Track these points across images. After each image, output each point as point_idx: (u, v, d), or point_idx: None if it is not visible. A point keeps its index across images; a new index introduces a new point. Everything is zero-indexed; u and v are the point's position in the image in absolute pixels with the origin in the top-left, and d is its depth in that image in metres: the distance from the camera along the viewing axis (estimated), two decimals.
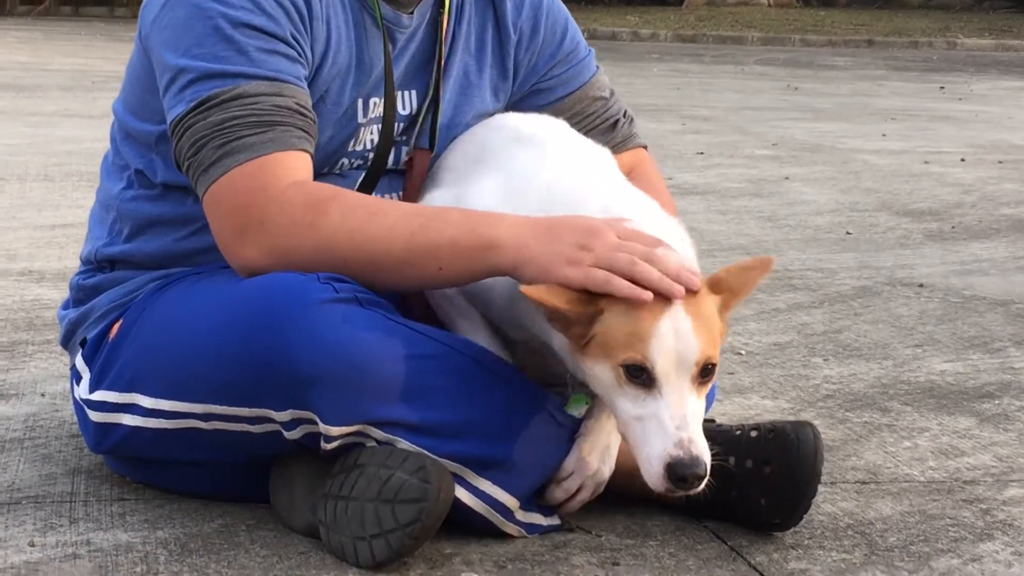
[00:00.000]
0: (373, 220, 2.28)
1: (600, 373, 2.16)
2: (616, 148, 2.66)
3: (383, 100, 2.48)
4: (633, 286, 2.14)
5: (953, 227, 5.69)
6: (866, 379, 3.43)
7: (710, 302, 2.19)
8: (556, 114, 2.66)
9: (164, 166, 2.46)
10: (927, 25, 21.09)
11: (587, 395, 2.34)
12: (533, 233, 2.24)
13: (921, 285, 4.55)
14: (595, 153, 2.53)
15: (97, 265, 2.57)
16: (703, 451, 2.09)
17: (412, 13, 2.52)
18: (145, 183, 2.51)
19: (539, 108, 2.66)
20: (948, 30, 20.46)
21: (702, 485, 2.10)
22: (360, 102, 2.47)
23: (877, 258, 5.01)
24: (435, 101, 2.55)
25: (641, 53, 16.56)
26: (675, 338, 2.11)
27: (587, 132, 2.66)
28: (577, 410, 2.35)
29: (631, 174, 2.59)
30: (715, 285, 2.21)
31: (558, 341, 2.24)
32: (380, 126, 2.50)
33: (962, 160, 7.75)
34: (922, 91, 12.67)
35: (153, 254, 2.50)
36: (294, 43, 2.35)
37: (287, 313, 2.21)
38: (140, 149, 2.50)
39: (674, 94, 11.39)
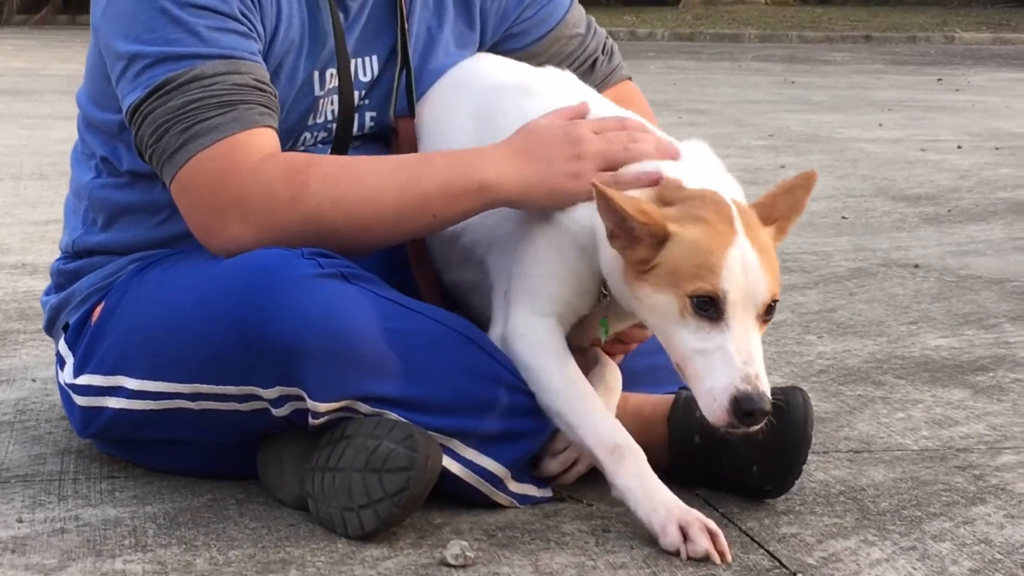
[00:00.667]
0: (357, 184, 2.26)
1: (662, 303, 2.12)
2: (598, 87, 2.66)
3: (338, 72, 2.44)
4: (641, 172, 2.22)
5: (949, 211, 5.68)
6: (860, 355, 3.42)
7: (767, 235, 2.16)
8: (532, 57, 2.65)
9: (128, 154, 2.43)
10: (925, 20, 21.09)
11: (606, 322, 2.33)
12: (520, 158, 2.26)
13: (917, 266, 4.54)
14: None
15: (76, 254, 2.55)
16: (767, 388, 2.06)
17: None
18: (112, 171, 2.48)
19: (514, 52, 2.65)
20: (946, 24, 20.46)
21: (763, 423, 2.07)
22: (316, 75, 2.44)
23: (873, 241, 5.00)
24: (406, 66, 2.52)
25: (638, 52, 16.54)
26: (744, 272, 2.08)
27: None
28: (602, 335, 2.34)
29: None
30: (767, 214, 2.19)
31: (608, 262, 2.20)
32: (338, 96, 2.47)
33: (959, 147, 7.74)
34: (919, 83, 12.66)
35: (130, 243, 2.48)
36: (243, 19, 2.30)
37: (272, 288, 2.20)
38: (104, 138, 2.48)
39: (671, 90, 11.39)
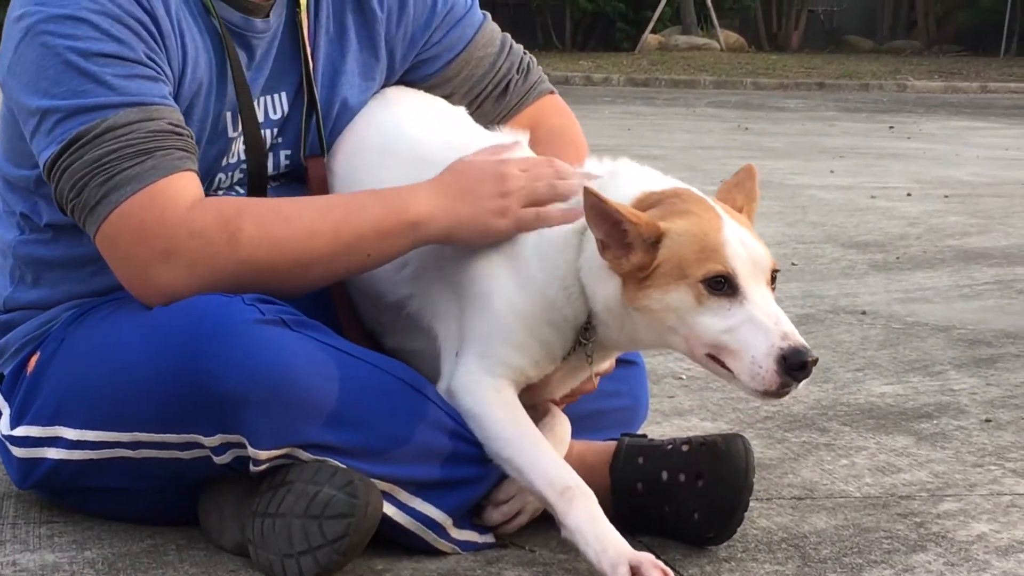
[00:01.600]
0: (291, 225, 2.26)
1: (675, 300, 2.12)
2: (515, 108, 2.67)
3: (240, 113, 2.42)
4: (567, 209, 2.27)
5: (898, 258, 5.72)
6: (806, 401, 3.43)
7: (744, 218, 2.21)
8: (444, 81, 2.65)
9: (48, 209, 2.40)
10: (878, 68, 21.31)
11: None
12: (449, 196, 2.29)
13: (864, 312, 4.57)
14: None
15: (6, 311, 2.51)
16: (805, 340, 2.07)
17: (268, 17, 2.46)
18: (34, 227, 2.45)
19: (428, 78, 2.64)
20: (898, 73, 20.68)
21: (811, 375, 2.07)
22: (228, 115, 2.42)
23: (821, 287, 5.03)
24: (312, 104, 2.51)
25: (593, 96, 16.65)
26: (743, 245, 2.12)
27: (480, 102, 2.65)
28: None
29: (534, 131, 2.59)
30: (733, 203, 2.23)
31: (605, 294, 2.20)
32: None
33: (908, 195, 7.80)
34: (871, 131, 12.77)
35: (61, 300, 2.45)
36: (150, 63, 2.28)
37: (213, 335, 2.18)
38: (22, 194, 2.44)
39: (625, 134, 11.45)
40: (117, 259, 2.27)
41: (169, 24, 2.32)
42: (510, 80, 2.71)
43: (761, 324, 2.07)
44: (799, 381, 2.07)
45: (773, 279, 2.14)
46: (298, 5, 2.49)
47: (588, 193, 2.13)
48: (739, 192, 2.28)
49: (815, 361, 2.05)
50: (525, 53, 2.77)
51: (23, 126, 2.31)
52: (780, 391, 2.07)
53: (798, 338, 2.06)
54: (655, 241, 2.13)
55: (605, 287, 2.20)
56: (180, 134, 2.27)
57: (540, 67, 2.79)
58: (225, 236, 2.22)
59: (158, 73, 2.29)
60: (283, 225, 2.26)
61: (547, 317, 2.27)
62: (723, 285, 2.10)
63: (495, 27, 2.72)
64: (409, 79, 2.66)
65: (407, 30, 2.61)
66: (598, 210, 2.13)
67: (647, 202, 2.21)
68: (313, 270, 2.28)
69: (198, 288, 2.23)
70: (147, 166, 2.22)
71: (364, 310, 2.52)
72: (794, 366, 2.04)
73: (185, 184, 2.25)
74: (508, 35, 2.75)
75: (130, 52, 2.26)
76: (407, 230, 2.28)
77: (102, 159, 2.21)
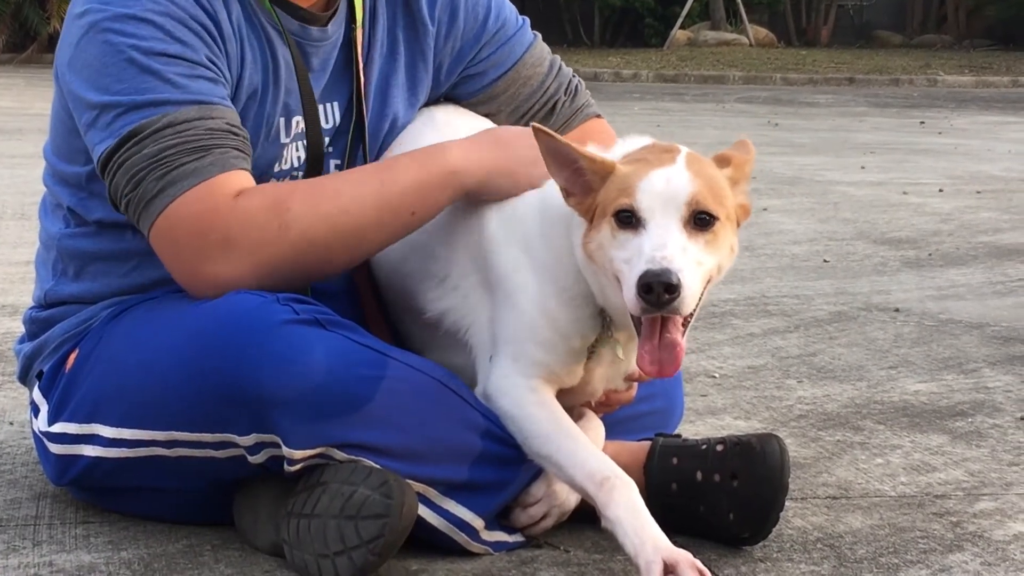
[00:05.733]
0: (336, 197, 2.28)
1: (601, 236, 2.15)
2: (561, 129, 2.66)
3: (304, 118, 2.45)
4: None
5: (930, 254, 5.70)
6: (839, 400, 3.42)
7: (713, 166, 2.21)
8: (491, 99, 2.66)
9: (96, 204, 2.42)
10: (908, 63, 21.18)
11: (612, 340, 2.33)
12: (483, 147, 2.36)
13: (897, 310, 4.55)
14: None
15: (48, 305, 2.53)
16: (677, 267, 2.04)
17: (326, 27, 2.49)
18: (80, 221, 2.47)
19: (474, 94, 2.66)
20: (929, 67, 20.56)
21: (677, 302, 2.03)
22: (282, 121, 2.44)
23: (854, 284, 5.01)
24: (360, 120, 2.53)
25: (622, 93, 16.61)
26: (665, 182, 2.12)
27: (525, 122, 2.64)
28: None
29: None
30: (719, 159, 2.24)
31: (580, 255, 2.22)
32: (305, 142, 2.47)
33: (940, 191, 7.76)
34: (902, 126, 12.72)
35: (101, 293, 2.46)
36: (211, 65, 2.31)
37: (249, 335, 2.19)
38: (71, 189, 2.46)
39: (655, 131, 11.39)
40: (172, 252, 2.28)
41: (230, 28, 2.35)
42: (556, 101, 2.71)
43: (643, 252, 2.07)
44: (655, 306, 2.04)
45: (703, 219, 2.12)
46: (354, 21, 2.50)
47: (539, 131, 2.17)
48: (736, 152, 2.26)
49: (669, 287, 2.02)
50: (574, 76, 2.78)
51: (78, 120, 2.33)
52: (643, 311, 2.05)
53: (665, 262, 2.04)
54: (604, 178, 2.18)
55: (579, 250, 2.22)
56: (237, 134, 2.29)
57: (588, 91, 2.80)
58: (276, 221, 2.24)
59: (218, 75, 2.31)
60: (329, 199, 2.28)
61: (562, 301, 2.28)
62: (630, 218, 2.12)
63: (545, 48, 2.73)
64: (455, 94, 2.67)
65: (455, 44, 2.62)
66: (551, 148, 2.18)
67: (627, 159, 2.23)
68: (364, 238, 2.31)
69: (256, 276, 2.24)
70: (205, 162, 2.24)
71: (407, 328, 2.52)
72: (646, 288, 2.03)
73: (241, 181, 2.28)
74: (558, 57, 2.76)
75: (192, 54, 2.29)
76: (446, 180, 2.32)
77: (160, 154, 2.24)
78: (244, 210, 2.25)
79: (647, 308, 2.05)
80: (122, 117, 2.25)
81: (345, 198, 2.28)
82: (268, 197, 2.27)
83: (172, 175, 2.24)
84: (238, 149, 2.29)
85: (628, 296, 2.07)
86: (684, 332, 2.12)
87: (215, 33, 2.33)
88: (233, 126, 2.29)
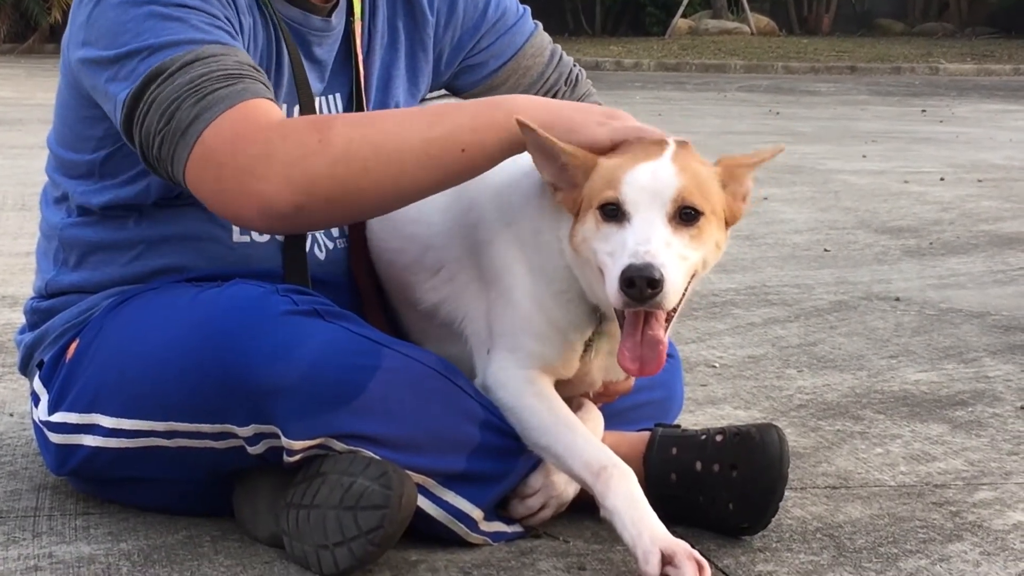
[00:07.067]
0: (381, 121, 2.22)
1: (586, 229, 2.15)
2: None
3: (299, 106, 2.43)
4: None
5: (931, 243, 5.70)
6: (839, 389, 3.42)
7: (701, 161, 2.19)
8: (490, 90, 2.64)
9: (101, 191, 2.42)
10: (909, 51, 21.16)
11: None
12: (551, 104, 2.24)
13: (898, 299, 4.55)
14: None
15: (49, 295, 2.53)
16: (660, 262, 2.04)
17: (329, 17, 2.48)
18: (82, 211, 2.46)
19: (474, 84, 2.65)
20: (930, 56, 20.54)
21: (660, 297, 2.03)
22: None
23: (854, 273, 5.01)
24: (360, 110, 2.51)
25: (623, 82, 16.60)
26: (650, 176, 2.12)
27: None
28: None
29: None
30: (719, 161, 2.22)
31: (568, 251, 2.21)
32: None
33: (941, 179, 7.76)
34: (903, 114, 12.71)
35: (102, 282, 2.45)
36: (229, 24, 2.29)
37: (248, 326, 2.19)
38: (76, 179, 2.45)
39: (656, 120, 11.31)
40: (213, 177, 2.17)
41: (244, 2, 2.35)
42: (557, 91, 2.71)
43: (626, 246, 2.07)
44: (638, 300, 2.04)
45: (688, 214, 2.12)
46: (352, 13, 2.50)
47: (523, 126, 2.15)
48: (744, 156, 2.25)
49: (651, 283, 2.02)
50: (575, 65, 2.76)
51: (96, 87, 2.28)
52: (625, 306, 2.06)
53: (648, 257, 2.04)
54: (588, 172, 2.17)
55: (567, 246, 2.22)
56: (262, 75, 2.25)
57: (589, 80, 2.78)
58: (317, 136, 2.16)
59: (236, 33, 2.29)
60: (374, 123, 2.21)
61: (551, 292, 2.28)
62: (615, 211, 2.11)
63: (546, 37, 2.72)
64: (455, 84, 2.66)
65: (455, 33, 2.61)
66: (536, 143, 2.16)
67: (614, 153, 2.21)
68: (407, 169, 2.17)
69: (293, 196, 2.14)
70: (239, 87, 2.18)
71: (405, 319, 2.52)
72: (628, 283, 2.03)
73: (275, 107, 2.22)
74: (559, 46, 2.75)
75: (212, 9, 2.26)
76: (504, 121, 2.18)
77: (193, 82, 2.17)
78: (285, 124, 2.19)
79: (629, 302, 2.05)
80: (146, 60, 2.20)
81: (391, 123, 2.20)
82: (310, 119, 2.25)
83: (207, 99, 2.17)
84: (266, 85, 2.24)
85: (611, 290, 2.07)
86: (667, 328, 2.13)
87: (232, 2, 2.32)
88: (257, 68, 2.25)
